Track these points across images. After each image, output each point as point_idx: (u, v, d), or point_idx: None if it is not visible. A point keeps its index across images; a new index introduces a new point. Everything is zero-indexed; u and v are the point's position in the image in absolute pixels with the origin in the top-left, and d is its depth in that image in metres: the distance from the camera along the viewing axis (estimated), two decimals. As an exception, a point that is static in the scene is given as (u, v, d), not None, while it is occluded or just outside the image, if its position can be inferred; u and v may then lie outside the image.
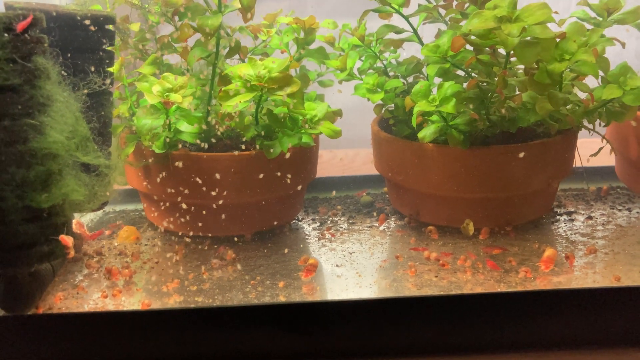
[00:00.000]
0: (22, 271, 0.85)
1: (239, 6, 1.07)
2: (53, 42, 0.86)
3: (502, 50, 1.05)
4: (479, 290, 0.94)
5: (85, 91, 0.89)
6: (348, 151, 1.88)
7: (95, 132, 0.92)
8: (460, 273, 0.99)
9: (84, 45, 0.96)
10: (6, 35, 0.76)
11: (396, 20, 1.20)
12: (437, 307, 0.87)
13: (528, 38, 0.93)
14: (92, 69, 0.96)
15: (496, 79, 1.05)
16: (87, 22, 0.96)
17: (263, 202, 1.11)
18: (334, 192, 1.37)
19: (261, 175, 1.07)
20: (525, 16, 0.90)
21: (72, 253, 0.89)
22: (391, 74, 1.24)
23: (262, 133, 1.08)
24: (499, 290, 0.93)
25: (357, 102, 1.28)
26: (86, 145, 0.84)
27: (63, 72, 0.89)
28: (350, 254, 1.09)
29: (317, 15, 1.65)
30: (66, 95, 0.84)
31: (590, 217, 1.21)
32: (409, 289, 0.95)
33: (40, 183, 0.81)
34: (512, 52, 0.94)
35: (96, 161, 0.86)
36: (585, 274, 0.97)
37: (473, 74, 1.08)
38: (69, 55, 0.94)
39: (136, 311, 0.90)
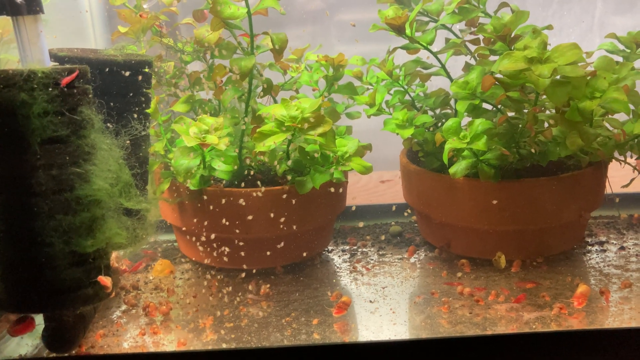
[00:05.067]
0: (68, 313, 0.88)
1: (271, 47, 1.10)
2: (95, 89, 0.89)
3: (530, 85, 1.06)
4: (513, 327, 0.94)
5: (128, 142, 0.92)
6: (372, 174, 1.89)
7: (135, 175, 0.95)
8: (494, 309, 1.00)
9: (124, 90, 0.99)
10: (55, 89, 0.80)
11: (422, 54, 1.22)
12: (474, 347, 0.87)
13: (558, 77, 0.93)
14: (132, 113, 0.99)
15: (525, 111, 1.06)
16: (126, 66, 0.99)
17: (294, 235, 1.13)
18: (361, 224, 1.38)
19: (292, 209, 1.09)
20: (555, 57, 0.91)
21: (113, 294, 0.91)
22: (418, 105, 1.26)
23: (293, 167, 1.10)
24: (534, 328, 0.93)
25: (379, 125, 1.29)
26: (129, 191, 0.87)
27: (104, 117, 0.92)
28: (383, 288, 1.10)
29: (339, 41, 1.67)
30: (109, 143, 0.87)
31: (622, 248, 1.20)
32: (444, 327, 0.95)
33: (86, 229, 0.84)
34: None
35: (138, 206, 0.88)
36: (621, 310, 0.97)
37: (500, 109, 1.09)
38: (109, 100, 0.97)
39: (175, 352, 0.92)
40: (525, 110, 1.07)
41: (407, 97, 1.24)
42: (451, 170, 1.06)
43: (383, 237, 1.32)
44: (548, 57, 0.91)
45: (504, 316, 0.97)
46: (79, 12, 1.33)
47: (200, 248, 1.16)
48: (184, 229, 1.17)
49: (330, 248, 1.29)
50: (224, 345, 0.93)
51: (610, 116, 1.06)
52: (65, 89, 0.81)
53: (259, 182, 1.11)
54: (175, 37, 1.25)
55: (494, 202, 1.05)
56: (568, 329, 0.91)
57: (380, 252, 1.26)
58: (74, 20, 1.34)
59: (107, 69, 0.97)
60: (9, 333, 0.89)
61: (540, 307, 0.99)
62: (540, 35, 0.94)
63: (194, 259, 1.21)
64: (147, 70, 1.03)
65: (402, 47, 1.15)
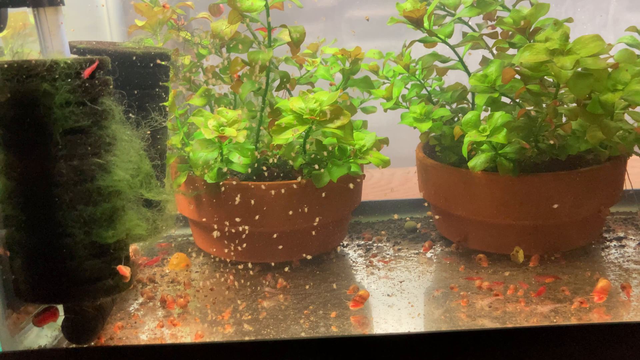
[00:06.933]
0: (88, 305, 0.88)
1: (289, 40, 1.09)
2: (114, 80, 0.89)
3: (550, 79, 1.06)
4: (534, 321, 0.93)
5: (148, 132, 0.92)
6: (384, 171, 1.88)
7: (154, 167, 0.95)
8: (513, 303, 0.99)
9: (143, 82, 0.99)
10: (77, 80, 0.80)
11: (439, 48, 1.21)
12: (495, 340, 0.87)
13: (579, 69, 0.93)
14: (151, 105, 0.99)
15: (544, 105, 1.05)
16: (145, 58, 0.99)
17: (310, 229, 1.13)
18: (395, 216, 1.38)
19: (309, 203, 1.09)
20: (577, 48, 0.90)
21: (132, 285, 0.91)
22: (435, 100, 1.25)
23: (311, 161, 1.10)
24: (555, 322, 0.92)
25: (391, 120, 1.29)
26: (149, 182, 0.87)
27: (124, 109, 0.92)
28: (400, 282, 1.09)
29: (351, 38, 1.67)
30: (130, 134, 0.87)
31: (641, 243, 1.19)
32: (463, 320, 0.95)
33: (106, 220, 0.84)
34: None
35: (159, 197, 0.88)
36: (643, 305, 0.96)
37: (518, 102, 1.09)
38: (131, 92, 0.97)
39: (194, 344, 0.92)
40: (544, 105, 1.06)
41: (423, 92, 1.24)
42: (470, 163, 1.06)
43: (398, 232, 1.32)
44: (570, 49, 0.90)
45: (524, 310, 0.97)
46: (95, 6, 1.34)
47: (216, 241, 1.16)
48: (200, 222, 1.17)
49: (345, 243, 1.29)
50: (246, 338, 0.93)
51: (631, 109, 1.05)
52: (87, 80, 0.81)
53: (281, 174, 1.11)
54: (192, 31, 1.25)
55: (512, 196, 1.05)
56: (590, 322, 0.90)
57: (396, 247, 1.25)
58: (90, 15, 1.34)
59: (126, 61, 0.97)
60: (33, 323, 0.89)
61: (560, 301, 0.99)
62: (562, 27, 0.93)
63: (210, 252, 1.21)
64: (165, 62, 1.03)
65: (420, 40, 1.14)
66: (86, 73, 0.80)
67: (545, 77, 1.00)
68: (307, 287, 1.10)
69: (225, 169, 1.09)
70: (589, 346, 0.86)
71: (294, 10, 1.16)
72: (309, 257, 1.17)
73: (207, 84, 1.23)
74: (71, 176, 0.81)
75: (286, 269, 1.17)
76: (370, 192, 1.67)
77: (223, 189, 1.08)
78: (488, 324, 0.93)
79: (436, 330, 0.91)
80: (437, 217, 1.25)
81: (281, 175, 1.14)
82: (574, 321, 0.92)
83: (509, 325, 0.92)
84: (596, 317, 0.93)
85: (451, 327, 0.92)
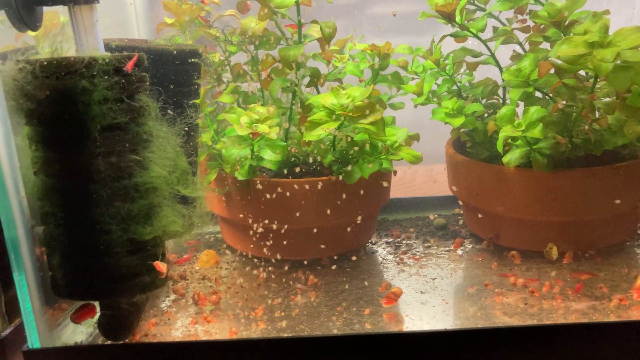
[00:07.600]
0: (125, 301, 0.88)
1: (318, 36, 1.09)
2: (149, 78, 0.89)
3: (583, 72, 1.04)
4: (572, 318, 0.92)
5: (185, 129, 0.92)
6: (407, 168, 1.87)
7: (190, 164, 0.95)
8: (549, 300, 0.98)
9: (176, 79, 0.99)
10: (115, 76, 0.80)
11: (468, 43, 1.20)
12: (533, 337, 0.86)
13: (619, 62, 0.91)
14: (185, 101, 1.00)
15: (579, 98, 1.04)
16: (179, 56, 0.99)
17: (341, 226, 1.12)
18: (432, 216, 1.36)
19: (340, 200, 1.08)
20: (618, 41, 0.88)
21: (168, 282, 0.91)
22: (465, 95, 1.24)
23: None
24: (594, 319, 0.91)
25: (415, 117, 1.27)
26: (186, 179, 0.87)
27: (160, 106, 0.92)
28: (433, 279, 1.09)
29: (372, 35, 1.66)
30: (166, 131, 0.87)
31: (678, 240, 1.17)
32: (499, 317, 0.94)
33: (143, 216, 0.84)
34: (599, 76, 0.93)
35: (195, 194, 0.88)
36: (684, 302, 0.94)
37: (552, 97, 1.07)
38: (166, 89, 0.97)
39: (230, 341, 0.92)
40: (582, 103, 1.04)
41: (453, 87, 1.22)
42: (505, 159, 1.04)
43: (427, 230, 1.31)
44: (610, 41, 0.88)
45: (561, 307, 0.95)
46: (123, 5, 1.34)
47: (246, 238, 1.16)
48: (229, 219, 1.16)
49: (373, 240, 1.28)
50: (285, 335, 0.92)
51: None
52: (125, 76, 0.81)
53: (319, 169, 1.10)
54: (221, 29, 1.25)
55: (546, 191, 1.03)
56: (631, 319, 0.89)
57: (426, 244, 1.24)
58: (118, 13, 1.35)
59: (160, 58, 0.97)
60: (71, 320, 0.90)
61: (598, 298, 0.97)
62: (602, 19, 0.91)
63: (239, 249, 1.21)
64: (197, 60, 1.03)
65: (452, 35, 1.13)
66: (129, 66, 0.80)
67: (581, 70, 0.98)
68: (338, 284, 1.09)
69: (256, 166, 1.09)
70: (631, 343, 0.85)
71: (313, 8, 1.15)
72: (338, 254, 1.17)
73: (236, 81, 1.23)
74: (109, 173, 0.82)
75: (316, 266, 1.16)
76: (393, 189, 1.66)
77: (260, 186, 1.08)
78: (525, 321, 0.92)
79: (474, 327, 0.90)
80: (467, 214, 1.24)
81: (310, 172, 1.14)
82: (613, 319, 0.91)
83: (547, 322, 0.91)
84: (636, 315, 0.91)
85: (488, 324, 0.91)
